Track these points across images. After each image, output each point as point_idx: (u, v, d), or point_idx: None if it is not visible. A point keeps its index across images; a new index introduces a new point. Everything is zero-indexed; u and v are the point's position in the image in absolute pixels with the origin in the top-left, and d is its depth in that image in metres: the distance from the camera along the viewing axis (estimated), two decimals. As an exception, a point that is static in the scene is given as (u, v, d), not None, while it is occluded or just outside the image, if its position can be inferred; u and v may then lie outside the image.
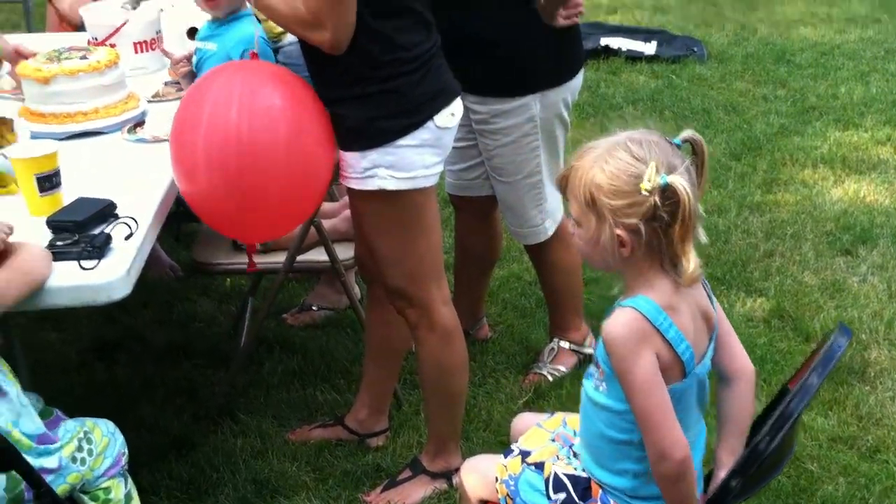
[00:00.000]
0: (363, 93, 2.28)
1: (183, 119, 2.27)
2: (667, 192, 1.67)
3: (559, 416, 2.09)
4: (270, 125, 2.21)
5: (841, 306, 3.54)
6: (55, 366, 3.21)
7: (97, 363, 3.28)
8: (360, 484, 2.72)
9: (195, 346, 3.34)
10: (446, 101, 2.36)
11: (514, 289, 3.72)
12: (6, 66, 2.48)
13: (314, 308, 3.51)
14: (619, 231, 1.71)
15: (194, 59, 2.89)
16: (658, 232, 1.70)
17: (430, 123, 2.32)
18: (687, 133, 1.76)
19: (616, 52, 6.24)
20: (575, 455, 1.95)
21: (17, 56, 2.98)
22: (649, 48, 6.25)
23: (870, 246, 3.98)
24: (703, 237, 1.75)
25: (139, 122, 2.81)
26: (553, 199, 3.01)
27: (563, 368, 3.19)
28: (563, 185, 1.79)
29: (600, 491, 1.87)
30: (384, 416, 2.88)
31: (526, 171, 2.92)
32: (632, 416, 1.75)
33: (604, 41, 6.27)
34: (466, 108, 2.87)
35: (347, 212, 2.88)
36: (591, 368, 1.86)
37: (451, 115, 2.38)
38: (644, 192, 1.67)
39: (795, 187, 4.52)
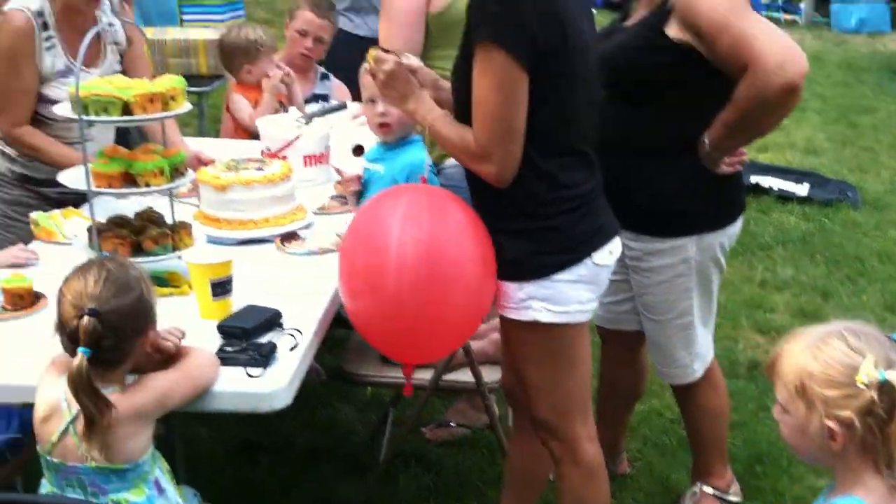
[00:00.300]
0: (525, 227, 2.33)
1: (363, 238, 2.33)
2: (885, 387, 1.60)
3: None
4: (457, 250, 2.27)
5: None
6: (203, 461, 3.29)
7: (242, 461, 3.35)
8: None
9: (335, 451, 3.39)
10: (605, 240, 2.40)
11: (655, 425, 3.65)
12: (191, 173, 2.63)
13: (453, 424, 3.52)
14: (829, 423, 1.64)
15: (363, 179, 3.01)
16: (874, 429, 1.63)
17: (588, 261, 2.35)
18: None
19: (767, 191, 6.18)
20: None
21: (198, 162, 3.16)
22: (801, 189, 6.16)
23: None
24: None
25: (293, 235, 2.91)
26: (704, 341, 2.97)
27: (705, 516, 3.09)
28: (771, 369, 1.74)
29: None
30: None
31: (677, 311, 2.90)
32: None
33: (754, 179, 6.22)
34: (622, 244, 2.90)
35: (496, 335, 2.90)
36: None
37: (610, 253, 2.41)
38: (860, 385, 1.61)
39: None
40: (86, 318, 1.90)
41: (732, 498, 3.12)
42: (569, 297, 2.34)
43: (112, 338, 1.93)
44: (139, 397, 1.98)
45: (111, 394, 1.95)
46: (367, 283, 2.30)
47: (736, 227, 2.91)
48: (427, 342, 2.36)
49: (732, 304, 4.69)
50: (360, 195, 3.04)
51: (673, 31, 2.65)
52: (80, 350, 1.90)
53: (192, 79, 4.04)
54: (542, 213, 2.32)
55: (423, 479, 3.24)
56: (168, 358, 2.06)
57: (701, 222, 2.82)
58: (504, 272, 2.37)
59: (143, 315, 1.99)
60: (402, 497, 3.16)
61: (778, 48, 2.48)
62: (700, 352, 2.97)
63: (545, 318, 2.34)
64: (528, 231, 2.33)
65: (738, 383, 3.95)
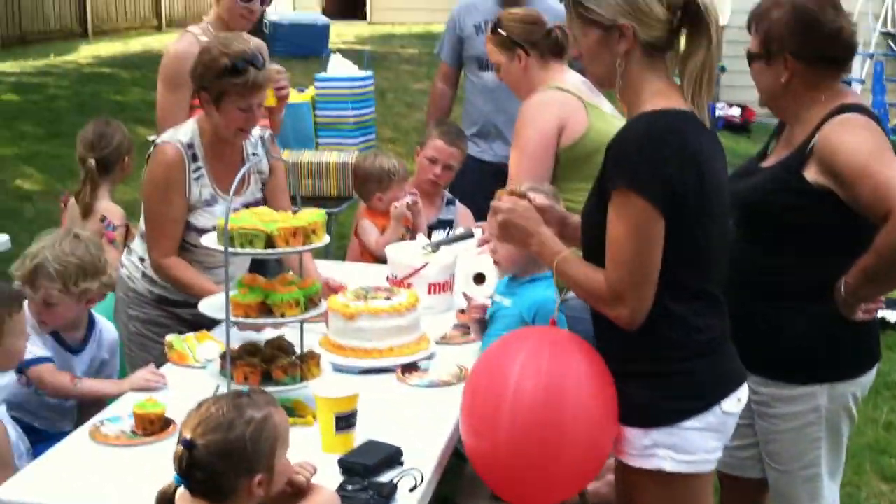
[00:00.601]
0: (655, 372, 2.32)
1: (484, 377, 2.38)
2: None
3: None
4: (576, 393, 2.29)
5: None
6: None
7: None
8: None
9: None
10: (735, 387, 2.38)
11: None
12: (323, 304, 2.72)
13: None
14: None
15: (489, 310, 3.06)
16: None
17: (717, 408, 2.33)
18: None
19: (893, 326, 5.99)
20: None
21: (328, 289, 3.26)
22: (930, 326, 5.97)
23: None
24: None
25: (414, 366, 2.96)
26: (830, 495, 2.88)
27: None
28: None
29: None
30: None
31: (804, 462, 2.82)
32: None
33: (881, 314, 6.03)
34: (749, 388, 2.86)
35: (611, 476, 2.88)
36: None
37: (738, 400, 2.39)
38: None
39: None
40: (179, 447, 1.97)
41: None
42: (695, 445, 2.32)
43: (203, 472, 1.97)
44: None
45: None
46: (483, 423, 2.34)
47: (870, 377, 2.84)
48: (542, 487, 2.36)
49: (855, 447, 4.52)
50: (484, 325, 3.09)
51: (812, 174, 2.65)
52: (174, 477, 1.98)
53: (321, 200, 4.23)
54: (674, 358, 2.31)
55: None
56: (298, 492, 2.10)
57: (834, 371, 2.76)
58: (628, 418, 2.36)
59: (244, 456, 1.98)
60: None
61: None
62: (825, 506, 2.88)
63: (670, 466, 2.32)
64: (658, 376, 2.32)
65: (861, 534, 3.81)
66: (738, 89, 10.65)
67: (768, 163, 2.84)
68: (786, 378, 2.76)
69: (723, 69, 10.80)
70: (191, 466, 1.97)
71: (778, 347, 2.73)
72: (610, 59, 2.32)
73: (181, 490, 2.02)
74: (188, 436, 1.98)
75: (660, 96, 2.30)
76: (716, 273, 2.38)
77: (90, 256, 3.17)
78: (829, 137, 2.63)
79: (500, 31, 3.56)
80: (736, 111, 11.21)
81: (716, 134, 2.43)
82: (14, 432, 2.87)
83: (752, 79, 2.85)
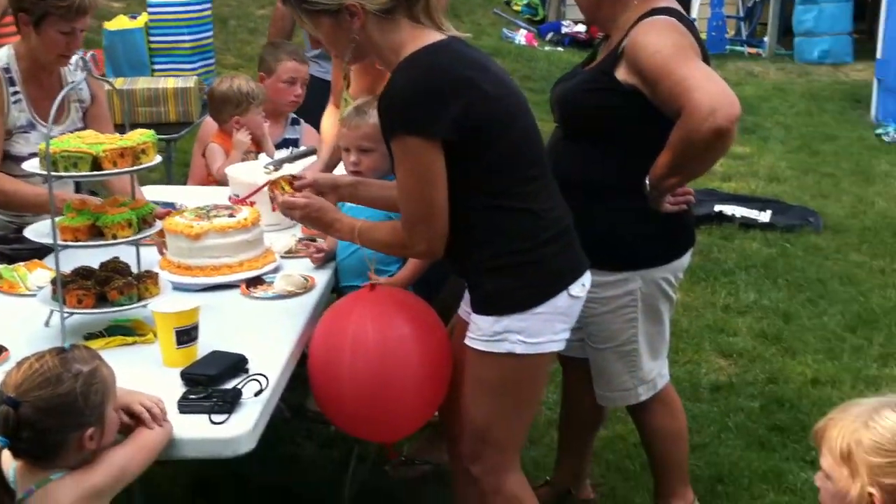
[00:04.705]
0: (506, 264, 2.44)
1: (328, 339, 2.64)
2: None
3: None
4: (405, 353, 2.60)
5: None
6: (162, 501, 3.30)
7: (201, 501, 3.37)
8: None
9: (296, 490, 3.41)
10: (580, 273, 2.53)
11: (618, 450, 3.73)
12: (158, 224, 2.70)
13: (416, 462, 3.57)
14: (872, 489, 1.67)
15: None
16: None
17: (564, 293, 2.47)
18: None
19: (730, 219, 6.31)
20: None
21: (164, 213, 3.22)
22: (764, 216, 6.30)
23: None
24: None
25: (258, 280, 2.98)
26: (651, 367, 3.05)
27: (667, 536, 3.17)
28: (819, 436, 1.78)
29: None
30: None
31: (620, 341, 2.98)
32: None
33: (718, 207, 6.35)
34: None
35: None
36: None
37: (583, 285, 2.54)
38: None
39: (913, 363, 4.46)
40: (3, 407, 1.90)
41: (694, 520, 3.21)
42: (544, 328, 2.46)
43: (31, 430, 1.91)
44: (94, 477, 1.98)
45: (59, 479, 1.95)
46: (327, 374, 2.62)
47: (683, 262, 3.01)
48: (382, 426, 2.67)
49: (695, 328, 4.80)
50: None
51: (622, 74, 2.77)
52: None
53: (160, 126, 4.16)
54: (522, 249, 2.44)
55: (391, 515, 3.30)
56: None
57: (646, 258, 2.92)
58: (483, 307, 2.48)
59: (75, 409, 1.94)
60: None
61: (711, 94, 2.58)
62: (646, 377, 3.04)
63: (520, 349, 2.45)
64: (509, 267, 2.44)
65: (700, 406, 4.06)
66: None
67: (589, 67, 2.95)
68: (602, 266, 2.87)
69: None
70: (17, 426, 1.90)
71: (596, 237, 2.84)
72: (348, 37, 2.42)
73: (5, 452, 1.95)
74: (11, 394, 1.91)
75: (410, 43, 2.40)
76: (534, 157, 2.49)
77: None
78: (636, 38, 2.74)
79: None
80: (581, 28, 11.53)
81: (476, 48, 2.57)
82: None
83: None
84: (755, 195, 6.83)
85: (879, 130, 8.78)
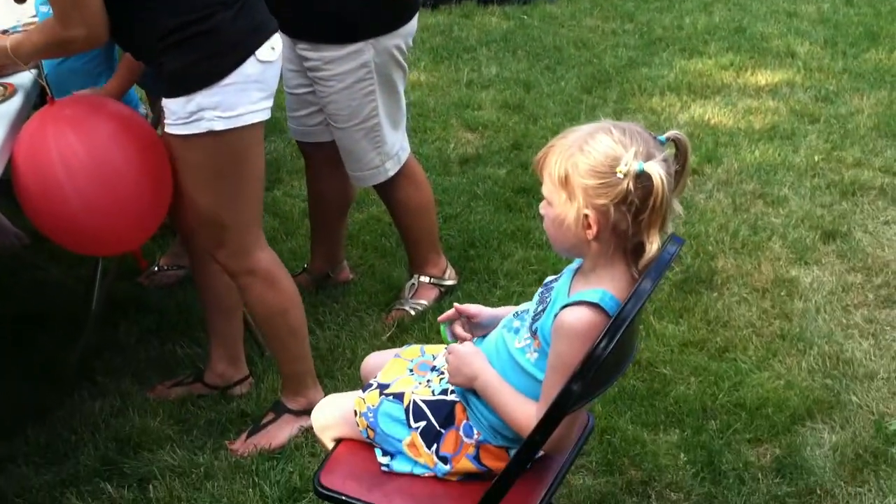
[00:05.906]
0: (181, 38, 2.26)
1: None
2: (641, 178, 1.66)
3: (416, 346, 2.10)
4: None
5: (689, 222, 3.67)
6: None
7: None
8: (225, 431, 2.71)
9: (47, 313, 3.24)
10: (266, 36, 2.36)
11: (374, 230, 3.73)
12: None
13: (167, 269, 3.46)
14: (587, 211, 1.69)
15: None
16: (626, 216, 1.69)
17: (251, 59, 2.32)
18: (672, 132, 1.77)
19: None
20: (437, 371, 1.96)
21: None
22: (499, -10, 6.30)
23: (714, 164, 4.13)
24: (670, 228, 1.74)
25: None
26: (393, 140, 3.02)
27: (424, 302, 3.23)
28: (540, 164, 1.76)
29: (464, 421, 1.89)
30: (242, 364, 2.87)
31: (362, 116, 2.93)
32: None
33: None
34: (300, 55, 2.88)
35: None
36: (525, 333, 1.83)
37: (272, 49, 2.38)
38: (619, 175, 1.66)
39: (644, 115, 4.64)
40: None
41: (448, 282, 3.27)
42: (238, 100, 2.31)
43: None
44: None
45: None
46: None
47: (410, 27, 2.95)
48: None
49: (442, 106, 4.81)
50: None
51: None
52: None
53: None
54: (193, 21, 2.25)
55: (145, 322, 3.18)
56: None
57: (374, 27, 2.84)
58: (170, 90, 2.31)
59: None
60: (125, 342, 3.10)
61: None
62: (390, 152, 3.02)
63: (219, 125, 2.30)
64: (184, 41, 2.25)
65: (450, 179, 4.10)
66: None
67: None
68: (333, 39, 2.80)
69: None
70: None
71: (322, 13, 2.76)
72: None
73: None
74: None
75: None
76: None
77: None
78: None
79: None
80: None
81: None
82: None
83: None
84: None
85: None
